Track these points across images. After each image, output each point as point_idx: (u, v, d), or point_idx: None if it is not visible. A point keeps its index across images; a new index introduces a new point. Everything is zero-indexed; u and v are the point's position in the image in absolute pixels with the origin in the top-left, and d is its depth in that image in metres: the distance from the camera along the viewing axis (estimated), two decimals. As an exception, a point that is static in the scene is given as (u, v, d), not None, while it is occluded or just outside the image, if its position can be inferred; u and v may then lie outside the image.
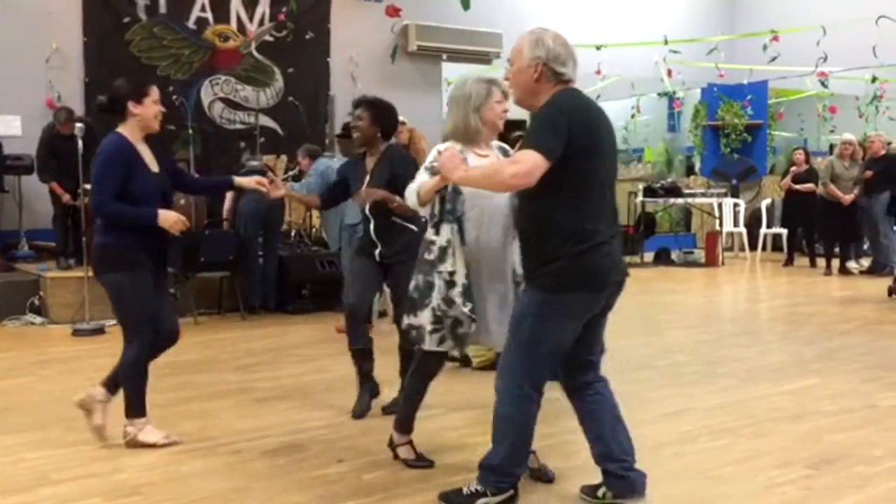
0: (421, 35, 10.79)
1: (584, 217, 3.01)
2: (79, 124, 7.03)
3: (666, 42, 12.13)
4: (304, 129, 9.47)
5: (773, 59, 11.55)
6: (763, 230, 12.44)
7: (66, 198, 7.74)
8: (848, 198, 10.45)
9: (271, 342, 6.68)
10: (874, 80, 12.17)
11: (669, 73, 12.85)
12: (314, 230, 8.99)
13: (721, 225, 12.44)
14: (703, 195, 12.53)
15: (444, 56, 11.13)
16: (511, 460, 3.18)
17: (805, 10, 12.49)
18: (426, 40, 10.80)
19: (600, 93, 11.54)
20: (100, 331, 6.74)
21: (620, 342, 5.35)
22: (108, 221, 3.91)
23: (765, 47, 11.65)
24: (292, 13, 10.04)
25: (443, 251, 3.39)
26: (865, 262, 11.04)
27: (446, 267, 3.38)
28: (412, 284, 3.51)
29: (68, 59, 8.93)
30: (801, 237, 11.87)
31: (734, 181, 13.26)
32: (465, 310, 3.35)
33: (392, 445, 3.78)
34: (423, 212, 3.57)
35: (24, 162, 8.15)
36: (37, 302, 7.51)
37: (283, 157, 9.36)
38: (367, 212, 4.39)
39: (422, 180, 3.39)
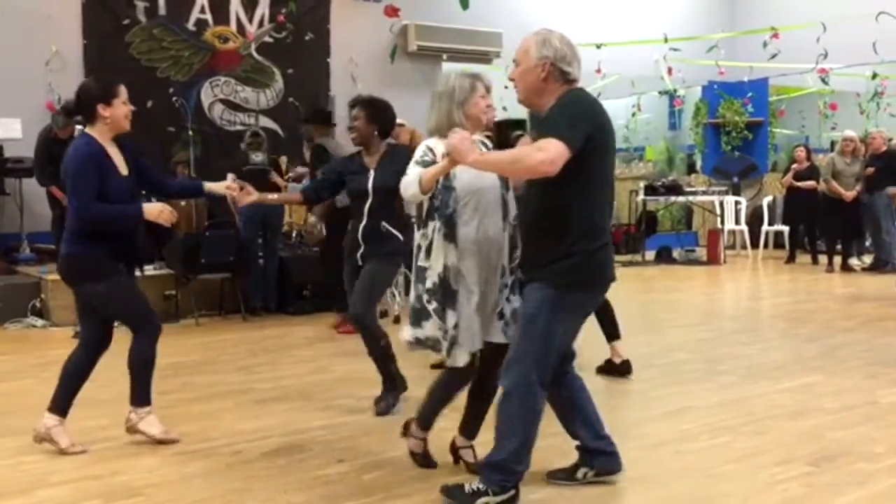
0: (420, 35, 10.79)
1: (596, 213, 3.11)
2: (79, 126, 7.02)
3: (666, 40, 12.12)
4: (301, 130, 9.45)
5: (774, 56, 11.52)
6: (765, 228, 12.43)
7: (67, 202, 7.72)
8: (850, 194, 10.44)
9: (272, 343, 6.68)
10: (875, 76, 12.15)
11: (670, 71, 12.83)
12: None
13: (722, 223, 12.43)
14: (705, 193, 12.52)
15: (445, 56, 11.12)
16: (516, 458, 3.18)
17: (805, 6, 12.48)
18: (426, 40, 10.79)
19: (601, 91, 11.50)
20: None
21: (623, 340, 5.34)
22: (86, 226, 3.82)
23: (765, 44, 11.63)
24: (292, 14, 10.04)
25: (427, 250, 3.36)
26: (867, 259, 11.02)
27: (421, 262, 3.36)
28: (413, 295, 3.43)
29: (68, 61, 8.93)
30: (802, 234, 11.85)
31: (735, 179, 13.24)
32: (429, 307, 3.32)
33: (407, 433, 3.75)
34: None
35: (25, 165, 8.15)
36: (38, 304, 7.52)
37: (284, 159, 9.35)
38: (365, 210, 4.41)
39: (420, 170, 3.29)
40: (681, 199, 12.43)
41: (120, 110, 3.91)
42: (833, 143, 13.20)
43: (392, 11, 9.93)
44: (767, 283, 10.49)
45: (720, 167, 13.55)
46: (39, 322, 7.40)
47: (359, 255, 4.48)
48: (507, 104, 5.73)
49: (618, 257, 11.27)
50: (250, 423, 4.39)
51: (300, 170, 8.55)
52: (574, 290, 3.11)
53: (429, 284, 3.33)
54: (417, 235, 3.42)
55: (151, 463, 3.81)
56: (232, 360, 6.06)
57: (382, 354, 4.54)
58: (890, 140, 10.78)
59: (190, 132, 9.01)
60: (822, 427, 4.24)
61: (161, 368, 5.45)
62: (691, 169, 14.74)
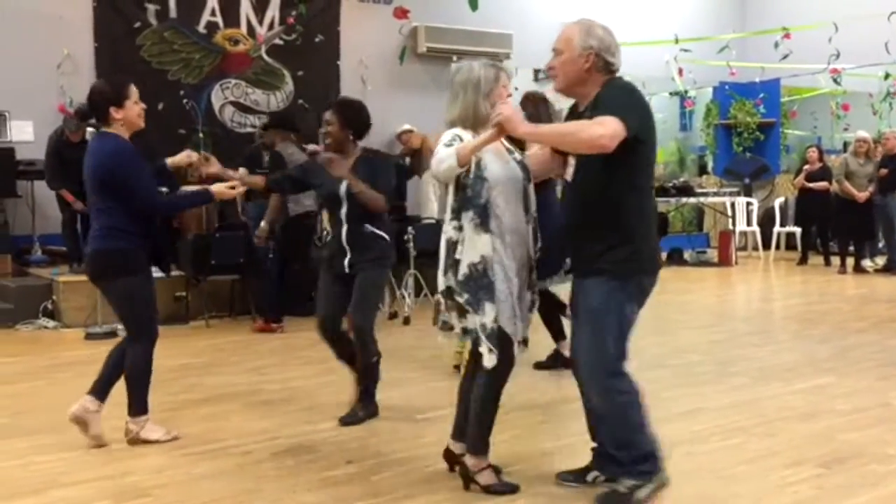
0: (430, 37, 10.79)
1: (645, 199, 3.17)
2: (90, 129, 7.04)
3: (677, 41, 12.07)
4: (313, 132, 9.46)
5: (785, 56, 11.46)
6: (776, 229, 12.36)
7: (80, 205, 7.74)
8: (862, 195, 10.37)
9: (280, 344, 6.69)
10: (887, 76, 12.06)
11: (680, 71, 12.79)
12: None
13: (734, 224, 12.37)
14: (716, 194, 12.46)
15: (454, 57, 11.09)
16: (648, 442, 3.19)
17: (816, 6, 12.40)
18: (436, 42, 10.80)
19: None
20: (112, 334, 6.75)
21: (633, 342, 5.31)
22: (161, 216, 4.04)
23: (776, 45, 11.57)
24: (301, 17, 10.06)
25: (460, 242, 3.25)
26: (880, 261, 10.95)
27: (457, 256, 3.24)
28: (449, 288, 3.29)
29: (80, 64, 8.98)
30: (815, 236, 11.79)
31: (747, 180, 13.18)
32: (460, 300, 3.21)
33: (467, 473, 3.38)
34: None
35: (37, 167, 8.19)
36: (50, 306, 7.56)
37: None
38: (342, 216, 4.33)
39: (455, 146, 3.17)
40: (692, 200, 12.39)
41: (132, 110, 3.97)
42: (846, 144, 13.12)
43: (401, 13, 9.93)
44: (779, 284, 10.43)
45: (731, 168, 13.49)
46: (51, 323, 7.44)
47: (346, 262, 4.33)
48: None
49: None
50: (259, 424, 4.39)
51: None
52: (637, 274, 3.15)
53: (460, 276, 3.22)
54: (448, 229, 3.29)
55: (161, 463, 3.81)
56: (241, 361, 6.07)
57: (370, 370, 4.42)
58: (904, 140, 10.69)
59: (200, 134, 9.05)
60: (833, 429, 4.21)
61: (170, 370, 5.51)
62: (702, 170, 14.68)
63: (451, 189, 3.29)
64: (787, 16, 12.39)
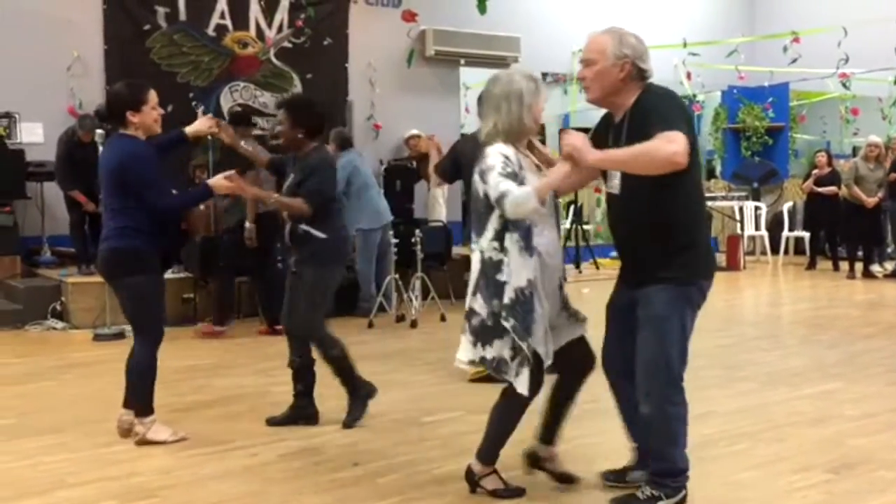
0: (438, 40, 10.79)
1: (699, 205, 3.24)
2: (99, 131, 7.08)
3: (685, 45, 12.05)
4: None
5: (794, 60, 11.44)
6: (785, 233, 12.32)
7: (91, 206, 7.76)
8: (871, 200, 10.34)
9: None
10: (897, 81, 12.03)
11: (689, 75, 12.76)
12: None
13: (742, 228, 12.34)
14: (724, 198, 12.43)
15: (462, 61, 11.13)
16: (683, 458, 3.20)
17: (826, 10, 12.36)
18: (443, 45, 10.80)
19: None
20: (120, 335, 6.78)
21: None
22: (156, 217, 3.98)
23: (785, 49, 11.55)
24: (310, 19, 10.08)
25: (503, 264, 3.15)
26: (889, 266, 10.90)
27: (500, 277, 3.15)
28: (484, 311, 3.17)
29: (89, 66, 9.01)
30: (823, 240, 11.74)
31: (755, 184, 13.14)
32: (506, 324, 3.11)
33: (473, 478, 3.37)
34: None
35: (47, 168, 8.22)
36: (58, 307, 7.58)
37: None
38: (284, 215, 4.40)
39: (530, 185, 3.08)
40: (700, 204, 12.33)
41: (149, 116, 4.04)
42: (855, 149, 13.06)
43: (410, 16, 9.95)
44: (788, 289, 10.40)
45: (740, 172, 13.45)
46: (59, 324, 7.46)
47: (293, 261, 4.38)
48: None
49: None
50: (266, 426, 4.39)
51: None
52: (698, 280, 3.17)
53: (506, 300, 3.12)
54: (486, 246, 3.18)
55: (168, 464, 3.82)
56: (249, 363, 6.07)
57: (338, 365, 4.39)
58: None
59: (209, 137, 9.03)
60: (842, 434, 4.19)
61: (178, 371, 5.52)
62: (711, 174, 14.61)
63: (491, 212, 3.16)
64: (796, 20, 12.34)
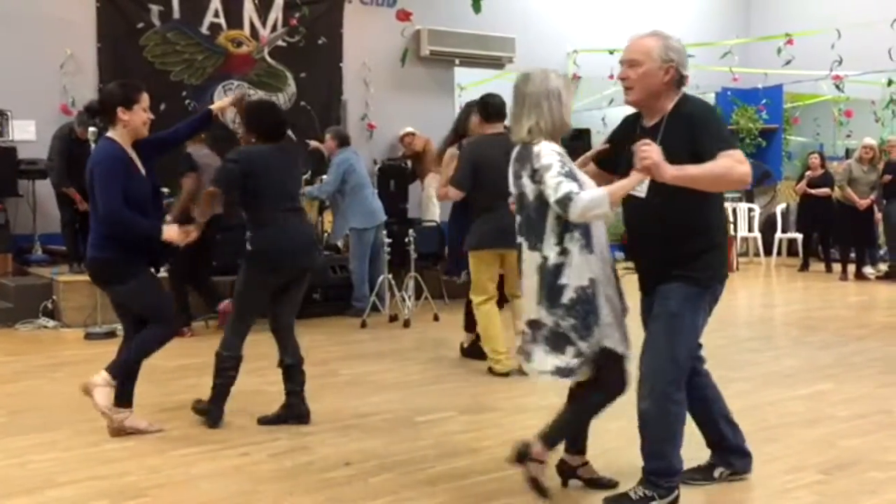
0: (433, 40, 10.78)
1: (720, 208, 3.27)
2: (92, 129, 7.04)
3: (679, 46, 12.04)
4: (316, 134, 9.48)
5: (788, 62, 11.46)
6: (778, 235, 12.35)
7: (84, 205, 7.71)
8: (864, 202, 10.36)
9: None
10: (890, 83, 12.04)
11: (683, 77, 12.75)
12: (325, 235, 8.99)
13: (735, 230, 12.35)
14: (718, 200, 12.41)
15: (457, 61, 11.12)
16: (678, 457, 3.21)
17: (820, 13, 12.39)
18: (438, 45, 10.78)
19: (613, 97, 11.47)
20: (112, 334, 6.75)
21: (635, 349, 5.31)
22: (113, 231, 3.95)
23: (779, 51, 11.57)
24: (304, 18, 10.06)
25: (565, 265, 3.12)
26: (882, 267, 10.93)
27: (561, 280, 3.10)
28: (550, 319, 3.12)
29: (83, 64, 8.97)
30: (816, 242, 11.77)
31: (748, 186, 13.15)
32: (565, 323, 3.10)
33: (527, 453, 3.20)
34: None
35: (39, 166, 8.18)
36: (50, 306, 7.54)
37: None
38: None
39: (600, 190, 3.02)
40: (693, 205, 12.35)
41: (139, 116, 4.04)
42: (848, 151, 13.10)
43: (404, 16, 9.93)
44: (781, 290, 10.42)
45: (733, 174, 13.44)
46: (51, 323, 7.42)
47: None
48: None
49: (630, 265, 11.21)
50: (257, 426, 4.38)
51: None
52: (714, 283, 3.19)
53: (565, 300, 3.09)
54: (551, 255, 3.12)
55: (158, 464, 3.80)
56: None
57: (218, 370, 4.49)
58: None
59: (202, 135, 9.01)
60: (834, 435, 4.20)
61: (170, 370, 5.50)
62: (704, 176, 14.65)
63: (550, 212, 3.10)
64: (790, 22, 12.37)
